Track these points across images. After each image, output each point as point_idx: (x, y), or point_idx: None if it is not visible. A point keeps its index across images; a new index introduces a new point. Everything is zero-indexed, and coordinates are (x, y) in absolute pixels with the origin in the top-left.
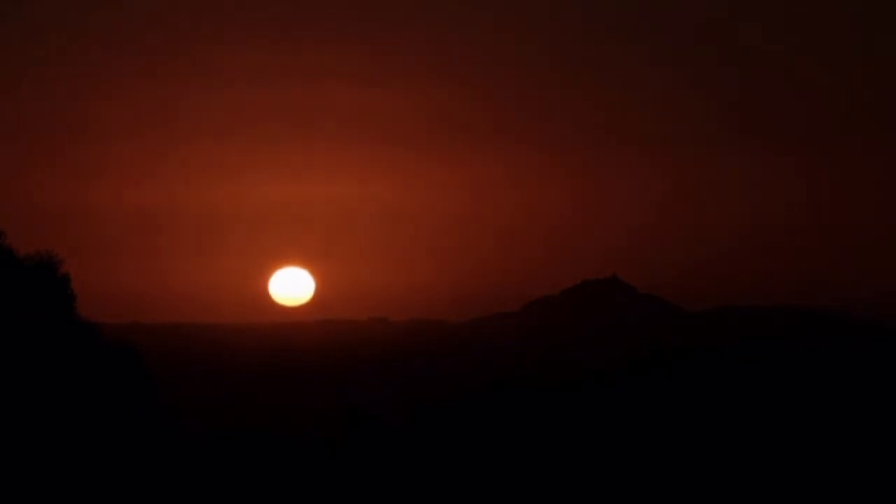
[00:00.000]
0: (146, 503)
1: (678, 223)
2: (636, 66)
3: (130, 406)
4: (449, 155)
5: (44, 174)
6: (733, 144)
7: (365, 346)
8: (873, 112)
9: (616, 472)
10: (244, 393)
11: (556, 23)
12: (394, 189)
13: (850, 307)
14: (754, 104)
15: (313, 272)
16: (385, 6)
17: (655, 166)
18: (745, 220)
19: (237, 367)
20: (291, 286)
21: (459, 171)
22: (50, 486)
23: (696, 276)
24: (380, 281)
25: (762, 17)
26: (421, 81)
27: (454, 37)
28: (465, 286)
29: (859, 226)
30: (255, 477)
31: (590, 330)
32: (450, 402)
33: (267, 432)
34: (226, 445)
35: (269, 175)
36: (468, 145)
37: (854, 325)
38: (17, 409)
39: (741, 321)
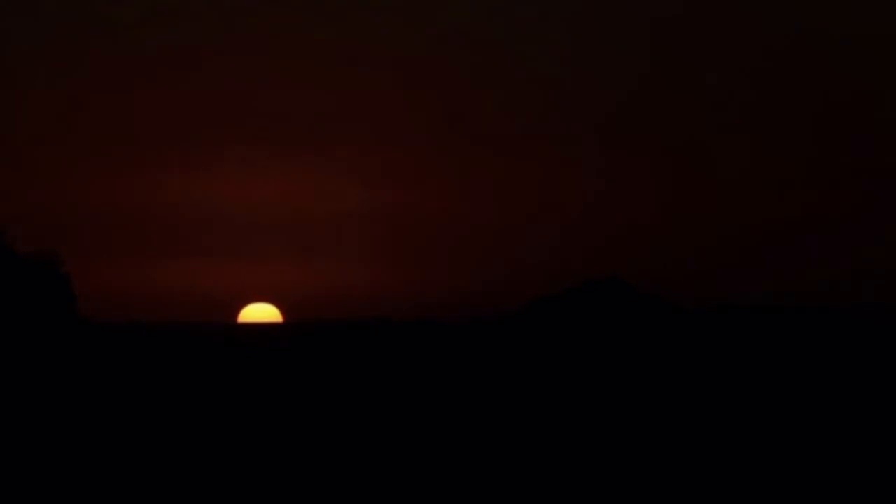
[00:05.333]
0: (145, 500)
1: (680, 222)
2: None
3: (131, 404)
4: (446, 154)
5: (44, 174)
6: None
7: (365, 345)
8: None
9: (616, 473)
10: (244, 391)
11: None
12: (392, 190)
13: (850, 307)
14: None
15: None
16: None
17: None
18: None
19: (236, 365)
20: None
21: (457, 170)
22: (49, 484)
23: (696, 275)
24: (379, 281)
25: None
26: (417, 79)
27: (451, 36)
28: (465, 286)
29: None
30: (254, 476)
31: (590, 329)
32: (449, 401)
33: (267, 431)
34: (226, 445)
35: (270, 175)
36: (466, 144)
37: (854, 325)
38: (17, 407)
39: (741, 321)
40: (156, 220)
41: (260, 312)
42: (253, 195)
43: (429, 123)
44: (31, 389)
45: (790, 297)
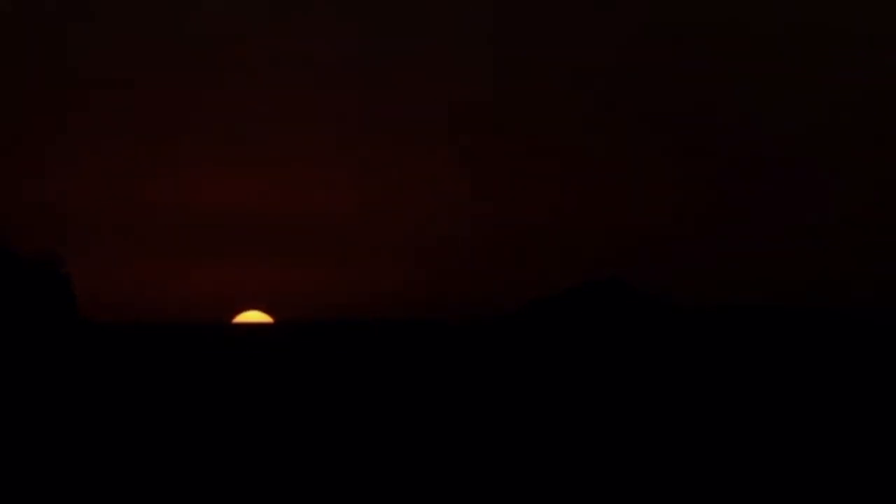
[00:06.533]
0: (145, 500)
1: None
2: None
3: (131, 404)
4: (445, 153)
5: (45, 174)
6: None
7: (364, 345)
8: None
9: (616, 474)
10: (244, 392)
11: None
12: (390, 189)
13: (851, 307)
14: None
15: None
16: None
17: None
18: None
19: (236, 366)
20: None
21: (456, 169)
22: (50, 484)
23: (696, 275)
24: (378, 281)
25: None
26: (418, 76)
27: (454, 34)
28: (465, 286)
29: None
30: (255, 477)
31: (590, 330)
32: (449, 402)
33: (267, 432)
34: (226, 445)
35: (269, 177)
36: (464, 144)
37: (854, 325)
38: (18, 407)
39: (741, 321)
40: (156, 222)
41: (255, 318)
42: (252, 197)
43: (427, 122)
44: (32, 390)
45: (790, 297)
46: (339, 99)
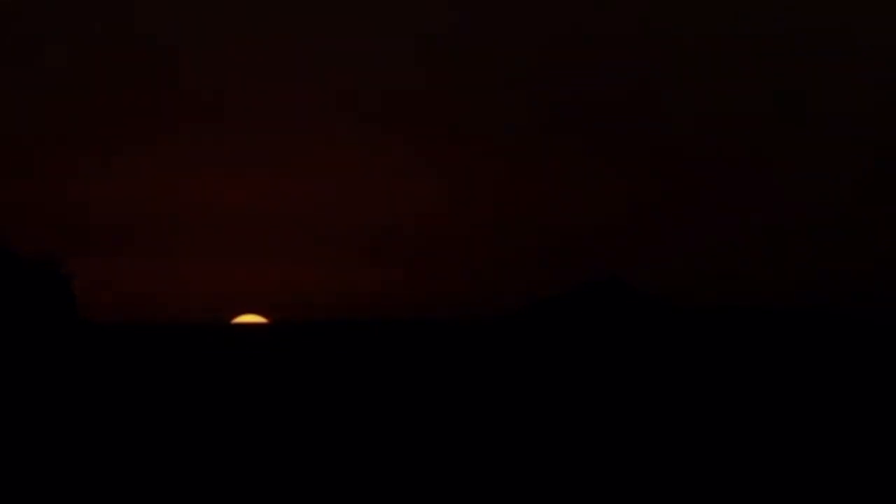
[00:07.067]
0: (146, 500)
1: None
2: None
3: (131, 405)
4: (444, 152)
5: (45, 174)
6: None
7: (363, 346)
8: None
9: (617, 475)
10: (245, 393)
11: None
12: (389, 188)
13: (849, 306)
14: None
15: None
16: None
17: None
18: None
19: (236, 366)
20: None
21: (456, 168)
22: (50, 485)
23: (696, 275)
24: (376, 281)
25: None
26: (418, 76)
27: (449, 38)
28: (465, 286)
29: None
30: (256, 478)
31: (589, 330)
32: (448, 403)
33: (269, 433)
34: (227, 447)
35: (269, 176)
36: (464, 142)
37: (854, 325)
38: (18, 408)
39: (741, 321)
40: (157, 222)
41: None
42: (252, 198)
43: (424, 120)
44: (33, 390)
45: (790, 297)
46: (335, 98)
